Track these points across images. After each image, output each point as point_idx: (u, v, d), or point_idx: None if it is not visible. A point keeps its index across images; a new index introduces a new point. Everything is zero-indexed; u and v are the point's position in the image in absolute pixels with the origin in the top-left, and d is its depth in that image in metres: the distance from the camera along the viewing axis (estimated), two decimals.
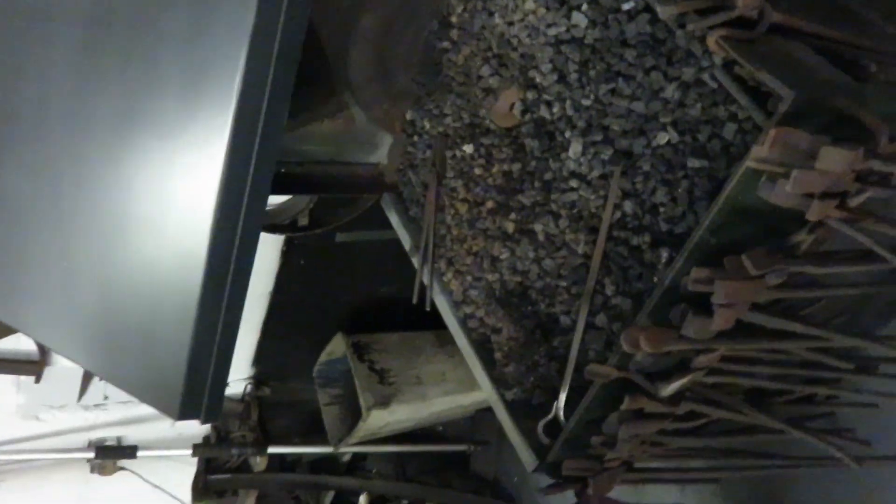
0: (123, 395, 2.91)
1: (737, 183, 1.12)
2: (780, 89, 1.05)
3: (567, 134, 1.49)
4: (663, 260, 1.30)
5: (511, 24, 1.62)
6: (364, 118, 2.01)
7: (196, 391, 1.32)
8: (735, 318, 1.18)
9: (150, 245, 1.27)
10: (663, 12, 1.16)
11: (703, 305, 1.20)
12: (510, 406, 1.65)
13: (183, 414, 1.33)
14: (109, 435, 3.31)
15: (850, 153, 0.94)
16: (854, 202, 1.06)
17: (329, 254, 2.96)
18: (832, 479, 1.69)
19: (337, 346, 3.17)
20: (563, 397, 1.52)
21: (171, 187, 1.22)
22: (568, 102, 1.48)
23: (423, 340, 3.29)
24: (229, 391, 3.41)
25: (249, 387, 3.43)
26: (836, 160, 0.95)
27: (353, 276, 3.10)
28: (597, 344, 1.44)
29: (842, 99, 1.06)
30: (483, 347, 1.76)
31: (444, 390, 3.15)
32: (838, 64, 1.25)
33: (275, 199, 2.63)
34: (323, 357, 3.22)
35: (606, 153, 1.40)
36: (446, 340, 3.22)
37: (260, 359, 3.33)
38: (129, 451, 3.17)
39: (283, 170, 2.01)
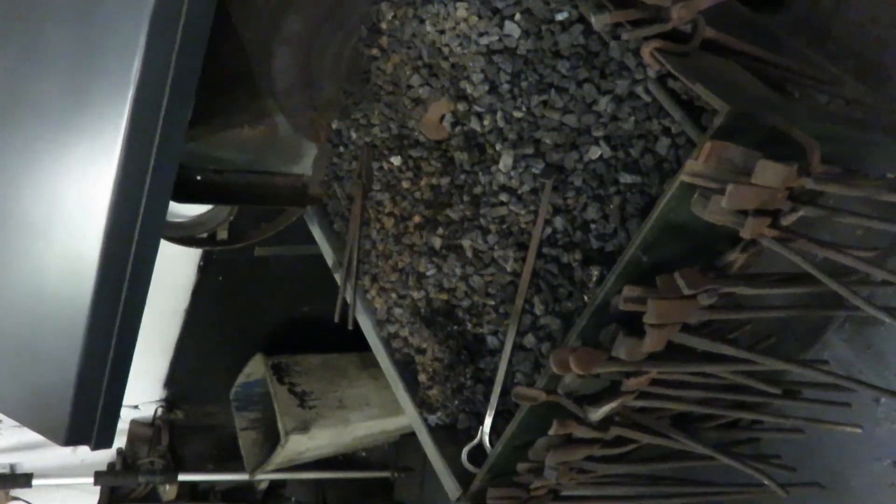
0: None
1: (670, 199, 1.08)
2: (714, 103, 1.02)
3: (498, 146, 1.43)
4: (594, 279, 1.25)
5: (442, 32, 1.56)
6: (288, 126, 1.91)
7: (86, 413, 1.19)
8: (666, 339, 1.13)
9: (34, 248, 1.14)
10: (597, 22, 1.13)
11: (634, 326, 1.15)
12: (434, 431, 1.57)
13: (70, 438, 1.20)
14: (1, 462, 3.05)
15: (786, 168, 0.92)
16: (786, 221, 1.03)
17: (249, 270, 2.83)
18: None
19: (255, 367, 3.03)
20: (488, 422, 1.45)
21: (60, 184, 1.09)
22: (499, 114, 1.43)
23: (346, 362, 3.18)
24: (139, 414, 3.21)
25: (160, 410, 3.23)
26: (772, 174, 0.92)
27: (274, 293, 2.98)
28: (525, 366, 1.37)
29: (775, 116, 1.04)
30: (407, 369, 1.68)
31: (368, 415, 3.04)
32: (766, 84, 1.24)
33: (192, 211, 2.49)
34: (240, 379, 3.07)
35: (538, 167, 1.35)
36: (370, 363, 3.12)
37: (172, 380, 3.14)
38: (24, 480, 2.93)
39: (199, 177, 1.89)
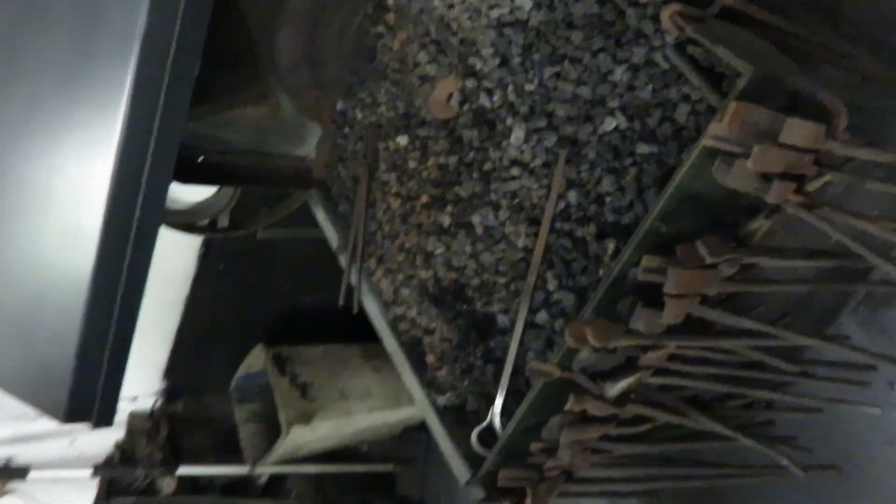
0: (14, 409, 2.65)
1: (691, 165, 1.05)
2: (738, 65, 0.99)
3: (508, 121, 1.40)
4: (609, 252, 1.22)
5: (451, 6, 1.53)
6: (291, 107, 1.88)
7: (86, 389, 1.16)
8: (685, 311, 1.10)
9: (35, 216, 1.11)
10: None
11: (652, 298, 1.12)
12: (442, 413, 1.54)
13: (71, 414, 1.17)
14: None
15: (816, 126, 0.89)
16: (812, 187, 1.00)
17: (250, 258, 2.79)
18: (775, 490, 1.64)
19: (256, 358, 2.99)
20: (499, 402, 1.42)
21: (62, 147, 1.06)
22: (510, 88, 1.40)
23: (348, 353, 3.14)
24: (137, 406, 3.16)
25: (159, 401, 3.19)
26: (800, 133, 0.89)
27: (275, 282, 2.94)
28: (537, 344, 1.34)
29: (799, 79, 1.01)
30: (414, 351, 1.64)
31: (370, 406, 3.00)
32: (785, 54, 1.21)
33: (193, 197, 2.46)
34: (241, 370, 3.03)
35: (550, 140, 1.32)
36: (373, 354, 3.08)
37: (172, 371, 3.10)
38: (20, 473, 2.89)
39: (201, 157, 1.85)
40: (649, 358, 1.14)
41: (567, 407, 1.16)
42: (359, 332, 3.11)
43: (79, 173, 1.11)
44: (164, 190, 1.37)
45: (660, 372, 1.22)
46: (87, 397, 1.16)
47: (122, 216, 1.14)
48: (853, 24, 1.89)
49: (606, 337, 1.08)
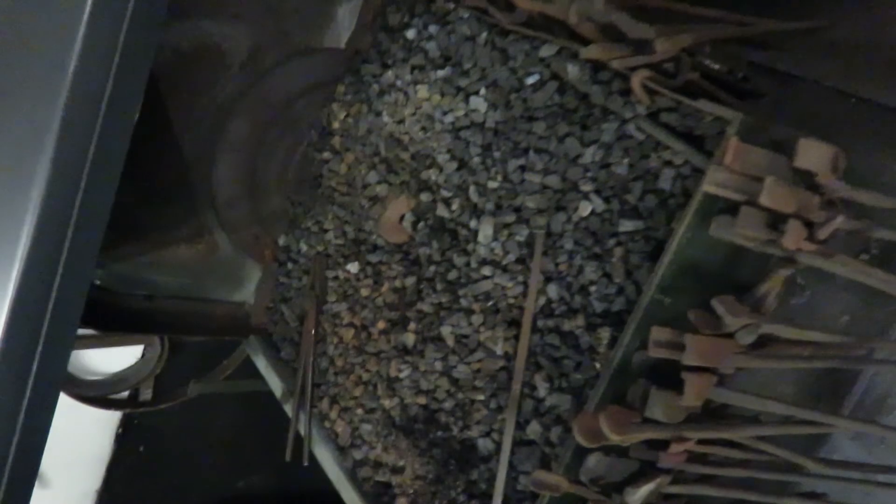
0: None
1: (688, 225, 0.97)
2: (725, 114, 0.95)
3: (472, 224, 1.31)
4: (605, 342, 1.09)
5: (401, 121, 1.49)
6: (229, 245, 1.74)
7: None
8: (706, 391, 0.96)
9: None
10: (585, 53, 1.07)
11: (664, 380, 0.98)
12: None
13: None
14: None
15: (831, 147, 0.82)
16: (823, 234, 0.92)
17: (176, 437, 2.49)
18: None
19: None
20: None
21: None
22: (471, 189, 1.32)
23: None
24: None
25: None
26: (816, 155, 0.82)
27: (205, 466, 2.61)
28: (529, 464, 1.15)
29: (780, 127, 0.97)
30: (379, 502, 1.40)
31: None
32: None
33: (110, 366, 2.21)
34: None
35: (521, 233, 1.22)
36: None
37: None
38: None
39: (127, 304, 1.66)
40: (670, 455, 0.97)
41: None
42: None
43: None
44: (67, 346, 1.18)
45: (677, 478, 1.05)
46: None
47: (13, 377, 0.97)
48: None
49: (623, 426, 0.92)
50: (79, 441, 2.32)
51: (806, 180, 0.91)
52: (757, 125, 0.95)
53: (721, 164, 0.88)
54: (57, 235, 1.07)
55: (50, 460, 2.29)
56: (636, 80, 1.04)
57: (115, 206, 1.33)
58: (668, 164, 1.06)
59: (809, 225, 0.92)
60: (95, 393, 2.21)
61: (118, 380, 2.25)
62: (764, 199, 0.83)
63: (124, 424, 2.39)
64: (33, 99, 0.99)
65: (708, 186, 0.89)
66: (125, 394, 2.28)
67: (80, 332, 1.55)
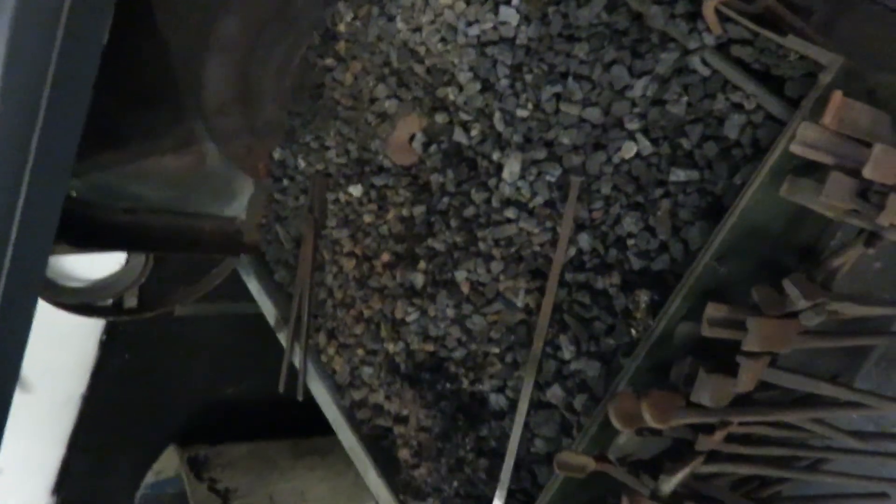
0: None
1: (760, 185, 0.83)
2: (821, 57, 0.79)
3: (496, 156, 1.16)
4: (643, 305, 0.97)
5: (417, 29, 1.30)
6: (219, 156, 1.58)
7: None
8: (759, 376, 0.85)
9: None
10: None
11: (710, 360, 0.87)
12: None
13: None
14: None
15: None
16: None
17: (162, 345, 2.40)
18: None
19: (168, 462, 2.56)
20: None
21: None
22: (497, 115, 1.16)
23: (277, 452, 2.74)
24: None
25: None
26: None
27: (191, 373, 2.55)
28: (547, 429, 1.06)
29: (884, 74, 0.81)
30: (379, 445, 1.32)
31: None
32: None
33: (94, 272, 2.08)
34: (149, 478, 2.59)
35: (553, 173, 1.08)
36: (306, 450, 2.72)
37: (64, 483, 2.60)
38: None
39: (106, 217, 1.52)
40: (714, 439, 0.88)
41: None
42: (289, 426, 2.75)
43: None
44: (42, 256, 1.09)
45: (712, 457, 0.96)
46: None
47: None
48: None
49: (667, 414, 0.81)
50: (62, 347, 2.23)
51: None
52: (859, 70, 0.79)
53: (815, 122, 0.73)
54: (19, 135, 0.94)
55: (32, 365, 2.20)
56: (708, 8, 0.87)
57: (94, 110, 1.18)
58: (737, 107, 0.91)
59: None
60: (77, 300, 2.10)
61: (101, 287, 2.13)
62: (868, 171, 0.69)
63: (108, 332, 2.30)
64: None
65: (796, 146, 0.75)
66: (109, 301, 2.16)
67: None
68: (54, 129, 1.04)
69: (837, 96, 0.70)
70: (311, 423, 2.04)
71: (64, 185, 1.16)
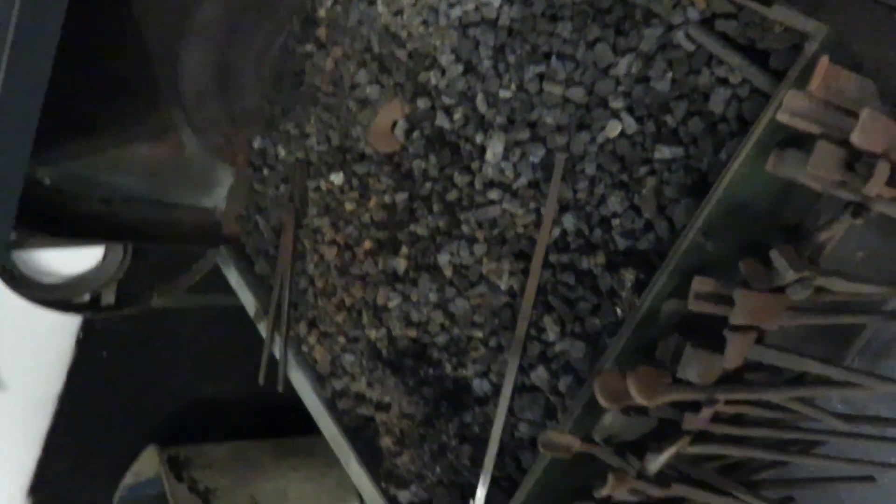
0: None
1: (746, 158, 0.82)
2: (806, 25, 0.78)
3: (479, 138, 1.14)
4: (629, 284, 0.95)
5: (399, 12, 1.29)
6: (197, 145, 1.56)
7: None
8: (746, 351, 0.84)
9: None
10: None
11: (697, 337, 0.86)
12: None
13: None
14: None
15: None
16: None
17: (140, 343, 2.36)
18: None
19: (147, 463, 2.50)
20: (482, 495, 1.09)
21: None
22: (479, 97, 1.15)
23: (258, 451, 2.70)
24: None
25: None
26: None
27: (171, 371, 2.51)
28: (532, 412, 1.04)
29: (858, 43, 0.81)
30: (360, 435, 1.30)
31: None
32: None
33: (71, 268, 2.05)
34: (128, 479, 2.53)
35: (537, 154, 1.07)
36: (289, 451, 2.68)
37: (40, 485, 2.55)
38: None
39: (81, 207, 1.49)
40: (699, 418, 0.86)
41: (606, 490, 0.85)
42: (270, 426, 2.72)
43: None
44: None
45: (700, 437, 0.95)
46: None
47: None
48: None
49: (654, 390, 0.80)
50: (37, 345, 2.18)
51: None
52: (841, 41, 0.79)
53: (801, 90, 0.72)
54: None
55: (7, 363, 2.15)
56: None
57: (66, 96, 1.15)
58: (723, 82, 0.90)
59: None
60: (53, 296, 2.06)
61: (78, 283, 2.09)
62: (856, 137, 0.68)
63: (86, 329, 2.25)
64: None
65: (782, 115, 0.74)
66: (86, 297, 2.12)
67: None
68: (11, 111, 1.01)
69: (824, 62, 0.70)
70: (293, 424, 2.01)
71: (22, 167, 1.12)
